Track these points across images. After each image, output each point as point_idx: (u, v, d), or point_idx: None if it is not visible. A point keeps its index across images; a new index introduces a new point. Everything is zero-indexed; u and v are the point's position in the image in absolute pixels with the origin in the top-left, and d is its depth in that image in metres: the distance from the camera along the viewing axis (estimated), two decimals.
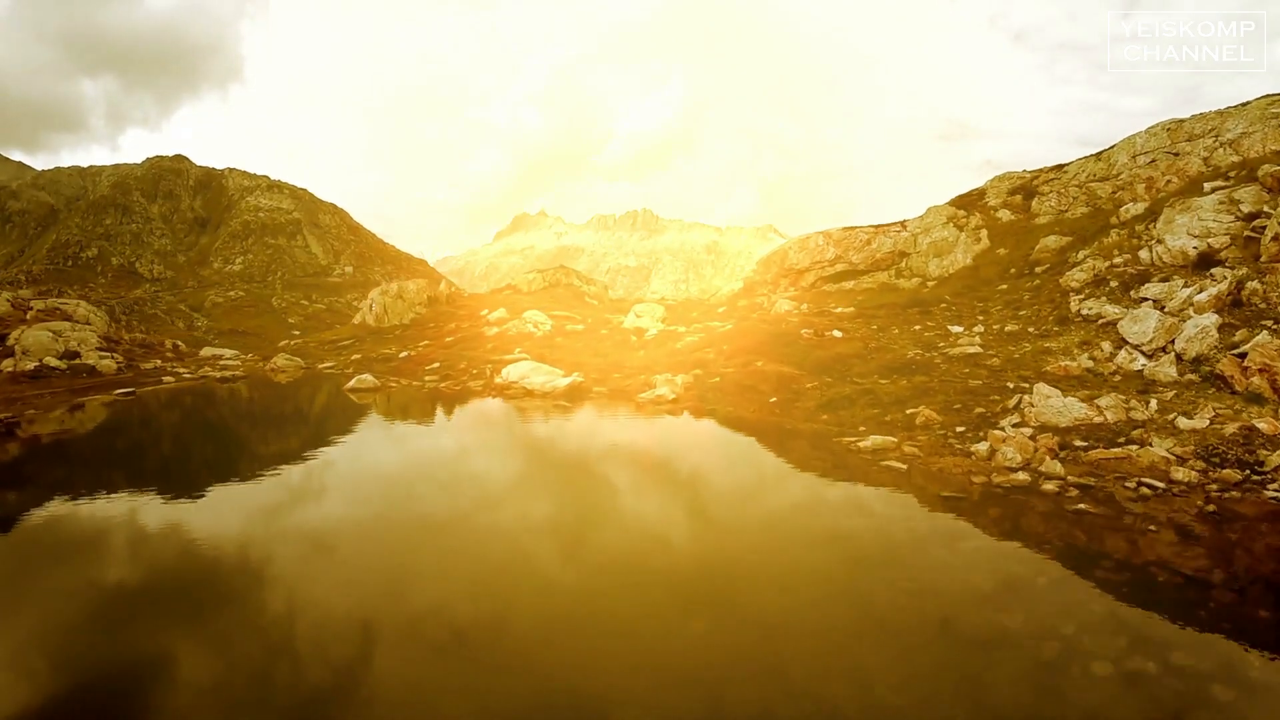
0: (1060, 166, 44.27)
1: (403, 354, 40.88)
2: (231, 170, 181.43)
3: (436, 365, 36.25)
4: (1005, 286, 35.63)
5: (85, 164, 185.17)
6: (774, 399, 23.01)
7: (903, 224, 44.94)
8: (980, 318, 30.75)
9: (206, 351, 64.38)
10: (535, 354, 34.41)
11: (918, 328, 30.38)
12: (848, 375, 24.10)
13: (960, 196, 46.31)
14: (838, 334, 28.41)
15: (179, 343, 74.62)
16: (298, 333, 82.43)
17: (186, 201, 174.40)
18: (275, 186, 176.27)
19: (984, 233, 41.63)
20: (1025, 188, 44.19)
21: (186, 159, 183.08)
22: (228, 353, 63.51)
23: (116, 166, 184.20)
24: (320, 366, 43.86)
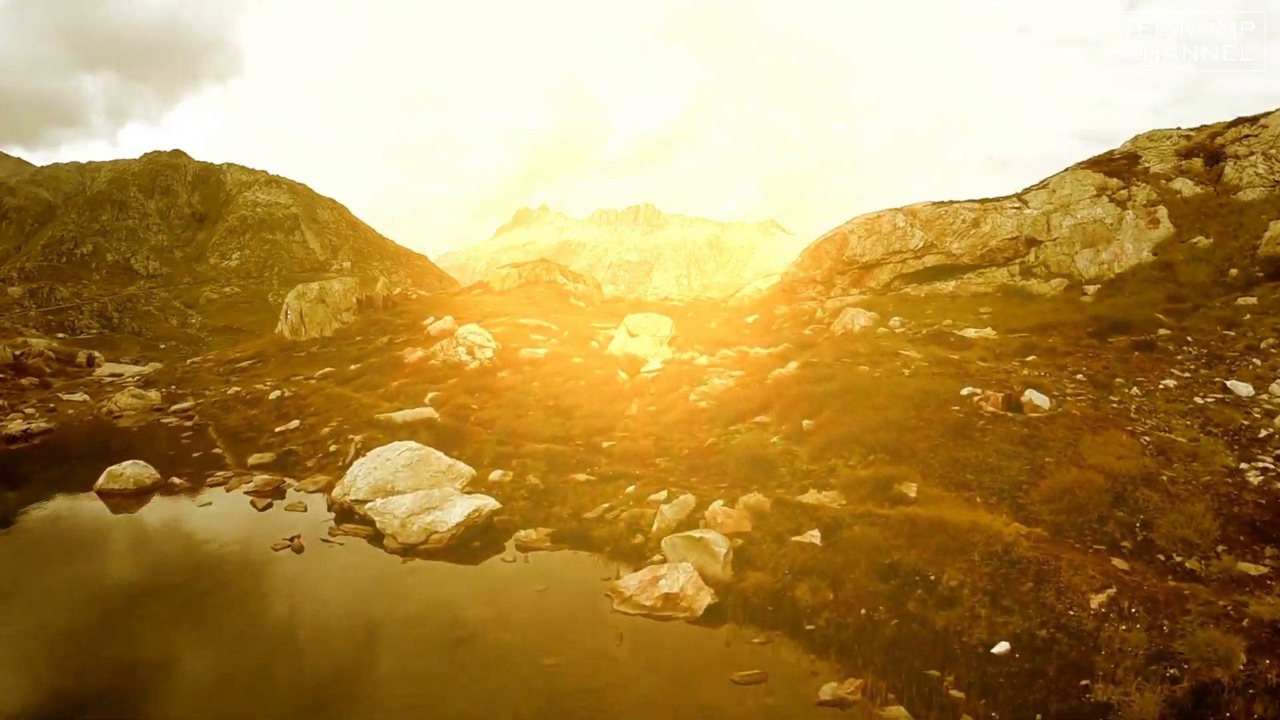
0: (1251, 119, 27.61)
1: (274, 393, 24.62)
2: (229, 165, 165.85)
3: (293, 426, 20.17)
4: (1253, 300, 19.16)
5: (85, 160, 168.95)
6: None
7: (1020, 197, 28.41)
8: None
9: (104, 370, 48.31)
10: (450, 409, 18.34)
11: (1170, 383, 14.12)
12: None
13: (1095, 161, 29.62)
14: (1039, 399, 12.35)
15: (95, 354, 58.29)
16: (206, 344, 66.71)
17: (184, 197, 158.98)
18: (273, 181, 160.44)
19: (1162, 212, 25.10)
20: (1205, 149, 27.48)
21: (184, 154, 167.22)
22: (130, 370, 47.49)
23: (115, 162, 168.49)
24: (174, 409, 27.80)
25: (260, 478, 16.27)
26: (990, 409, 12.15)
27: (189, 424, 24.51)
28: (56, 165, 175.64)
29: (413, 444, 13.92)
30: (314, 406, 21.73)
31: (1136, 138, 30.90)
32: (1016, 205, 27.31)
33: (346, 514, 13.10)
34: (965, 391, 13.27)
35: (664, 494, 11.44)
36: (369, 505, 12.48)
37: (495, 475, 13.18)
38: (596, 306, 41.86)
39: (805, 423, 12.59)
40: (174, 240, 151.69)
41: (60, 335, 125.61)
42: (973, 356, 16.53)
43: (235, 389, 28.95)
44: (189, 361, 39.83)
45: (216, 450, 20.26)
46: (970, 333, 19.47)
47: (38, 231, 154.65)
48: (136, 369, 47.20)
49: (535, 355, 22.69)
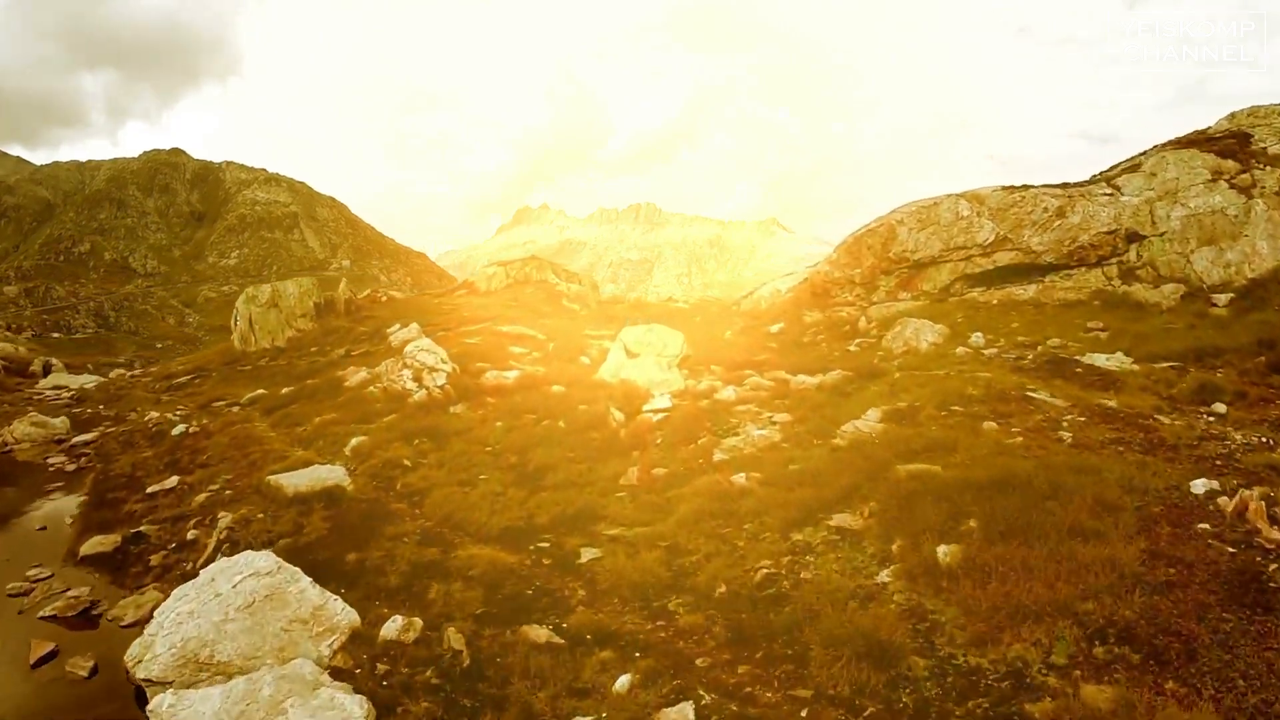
0: None
1: (180, 426, 18.70)
2: (229, 164, 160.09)
3: (170, 485, 14.24)
4: None
5: (84, 159, 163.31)
6: None
7: (1109, 181, 22.43)
8: None
9: (49, 382, 42.27)
10: (372, 468, 12.35)
11: None
12: None
13: (1194, 138, 23.60)
14: None
15: (51, 361, 52.31)
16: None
17: (183, 195, 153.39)
18: (273, 180, 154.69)
19: None
20: None
21: (184, 152, 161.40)
22: (78, 382, 41.43)
23: (114, 161, 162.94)
24: (75, 441, 21.91)
25: (74, 592, 10.36)
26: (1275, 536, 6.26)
27: (72, 468, 18.61)
28: (56, 164, 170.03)
29: (264, 562, 7.99)
30: (209, 453, 15.75)
31: (1234, 115, 24.80)
32: (1109, 192, 21.30)
33: (124, 708, 7.20)
34: (1199, 488, 7.37)
35: (688, 713, 5.57)
36: (158, 702, 6.61)
37: (392, 629, 7.29)
38: (592, 309, 35.88)
39: (941, 551, 6.65)
40: (172, 239, 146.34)
41: (55, 335, 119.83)
42: (1139, 404, 10.57)
43: (154, 414, 23.04)
44: (128, 375, 33.93)
45: (70, 519, 14.35)
46: (1099, 360, 13.45)
47: (36, 230, 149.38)
48: (85, 379, 41.24)
49: (504, 380, 16.70)
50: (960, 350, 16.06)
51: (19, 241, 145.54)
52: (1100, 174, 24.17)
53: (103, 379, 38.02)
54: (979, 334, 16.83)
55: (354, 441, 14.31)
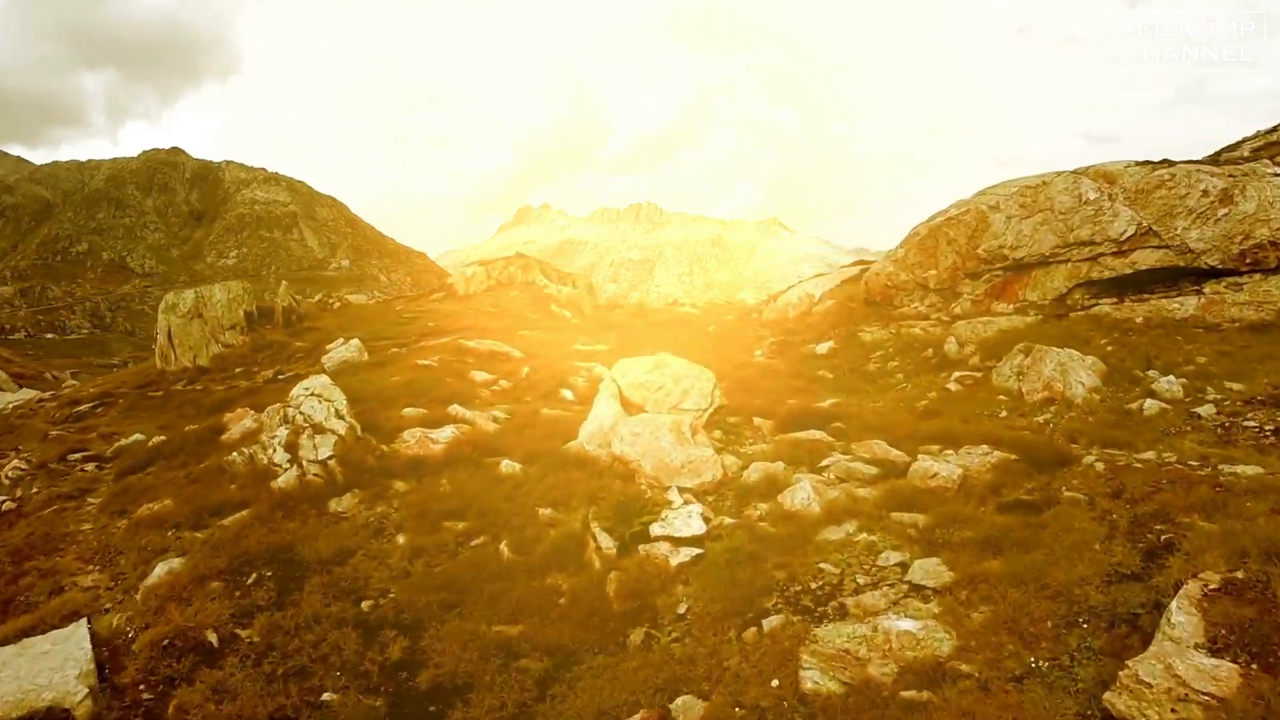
0: None
1: (4, 506, 12.44)
2: (228, 163, 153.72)
3: None
4: None
5: (84, 158, 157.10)
6: None
7: (1274, 158, 16.06)
8: None
9: None
10: (145, 664, 6.41)
11: None
12: None
13: None
14: None
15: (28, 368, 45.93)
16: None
17: (182, 195, 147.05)
18: (272, 179, 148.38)
19: None
20: None
21: (183, 151, 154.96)
22: (13, 400, 35.19)
23: (114, 160, 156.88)
24: None
25: None
26: None
27: None
28: (56, 163, 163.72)
29: None
30: None
31: None
32: (1276, 171, 14.87)
33: None
34: None
35: None
36: None
37: None
38: (586, 316, 29.45)
39: None
40: (171, 238, 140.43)
41: (49, 336, 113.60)
42: None
43: (17, 464, 16.68)
44: (36, 400, 27.71)
45: None
46: None
47: (34, 230, 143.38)
48: (12, 398, 34.89)
49: (430, 447, 10.18)
50: (1150, 406, 9.62)
51: (17, 241, 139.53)
52: (1234, 146, 17.79)
53: (19, 401, 31.50)
54: (1168, 378, 10.40)
55: (155, 574, 7.94)
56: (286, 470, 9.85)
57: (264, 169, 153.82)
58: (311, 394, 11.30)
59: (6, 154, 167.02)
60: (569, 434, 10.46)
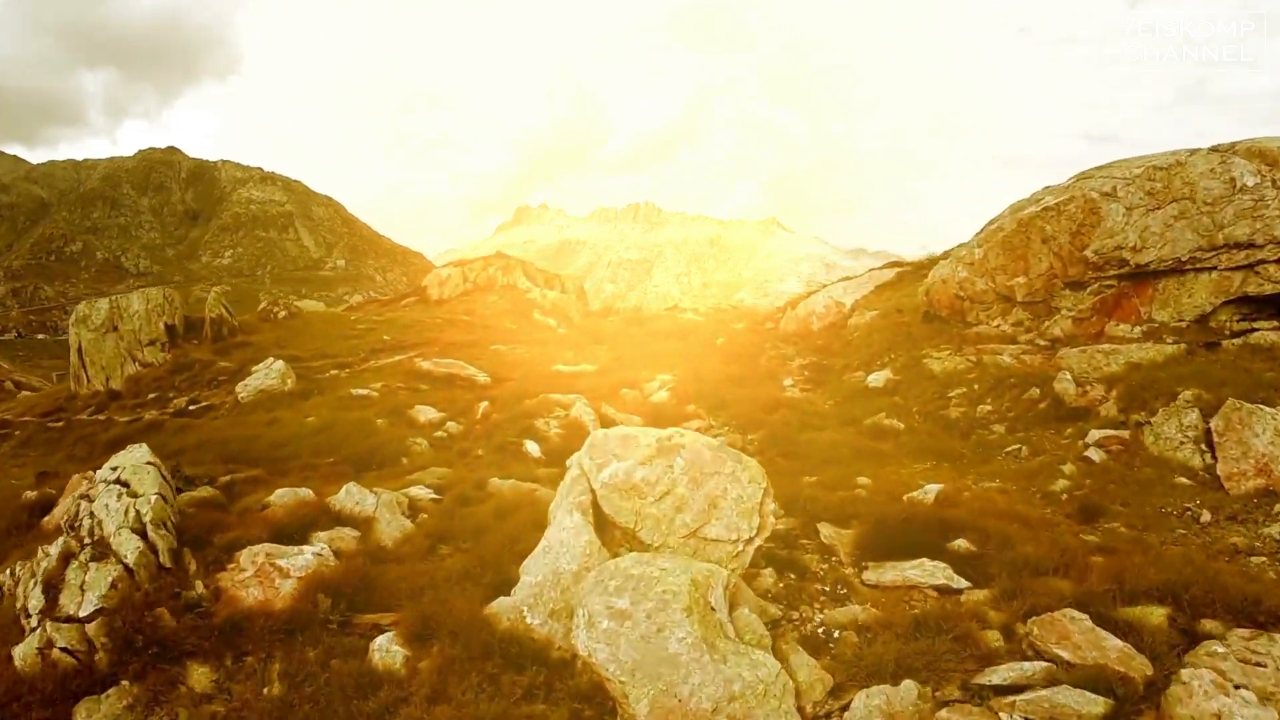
0: None
1: None
2: (224, 162, 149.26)
3: None
4: None
5: (82, 158, 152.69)
6: None
7: None
8: None
9: None
10: None
11: None
12: None
13: None
14: None
15: None
16: None
17: (178, 194, 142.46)
18: (268, 178, 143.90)
19: None
20: None
21: (179, 151, 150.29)
22: None
23: (111, 160, 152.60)
24: None
25: None
26: None
27: None
28: (52, 162, 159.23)
29: None
30: None
31: None
32: None
33: None
34: None
35: None
36: None
37: None
38: (574, 324, 24.96)
39: None
40: (166, 238, 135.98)
41: (40, 336, 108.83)
42: None
43: None
44: None
45: None
46: None
47: (30, 229, 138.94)
48: None
49: (274, 590, 5.76)
50: None
51: (12, 241, 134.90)
52: None
53: None
54: None
55: None
56: (30, 634, 5.39)
57: (260, 168, 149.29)
58: (116, 480, 6.79)
59: (3, 153, 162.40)
60: (519, 541, 6.00)
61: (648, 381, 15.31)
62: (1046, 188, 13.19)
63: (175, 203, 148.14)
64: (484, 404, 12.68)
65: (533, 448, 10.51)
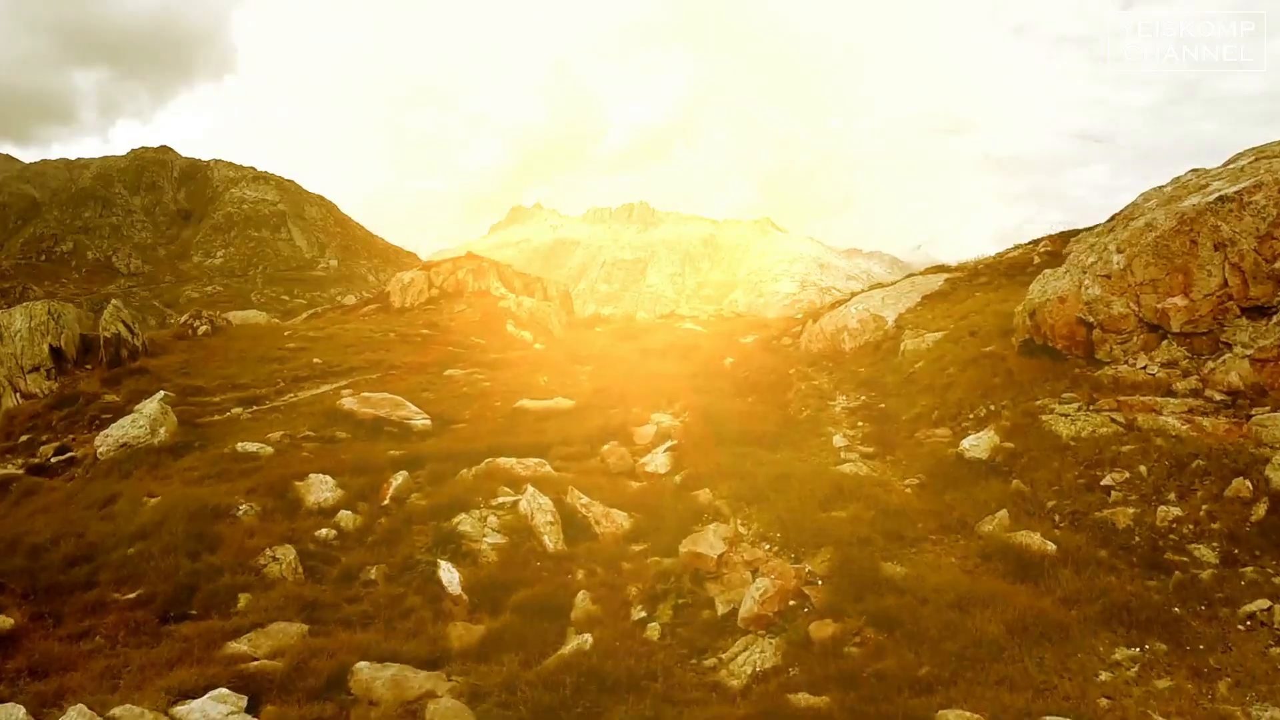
0: None
1: None
2: (217, 161, 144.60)
3: None
4: None
5: (74, 156, 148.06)
6: None
7: None
8: None
9: None
10: None
11: None
12: None
13: None
14: None
15: None
16: None
17: (170, 193, 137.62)
18: (261, 178, 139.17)
19: None
20: None
21: (171, 150, 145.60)
22: None
23: (103, 159, 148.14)
24: None
25: None
26: None
27: None
28: (44, 161, 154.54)
29: None
30: None
31: None
32: None
33: None
34: None
35: None
36: None
37: None
38: (554, 338, 20.67)
39: None
40: (158, 237, 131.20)
41: None
42: None
43: None
44: None
45: None
46: None
47: (21, 229, 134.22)
48: None
49: None
50: None
51: (2, 240, 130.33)
52: None
53: None
54: None
55: None
56: None
57: (253, 168, 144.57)
58: None
59: None
60: None
61: (640, 425, 11.09)
62: (1198, 170, 8.96)
63: (167, 202, 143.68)
64: (400, 477, 8.40)
65: (450, 576, 6.27)
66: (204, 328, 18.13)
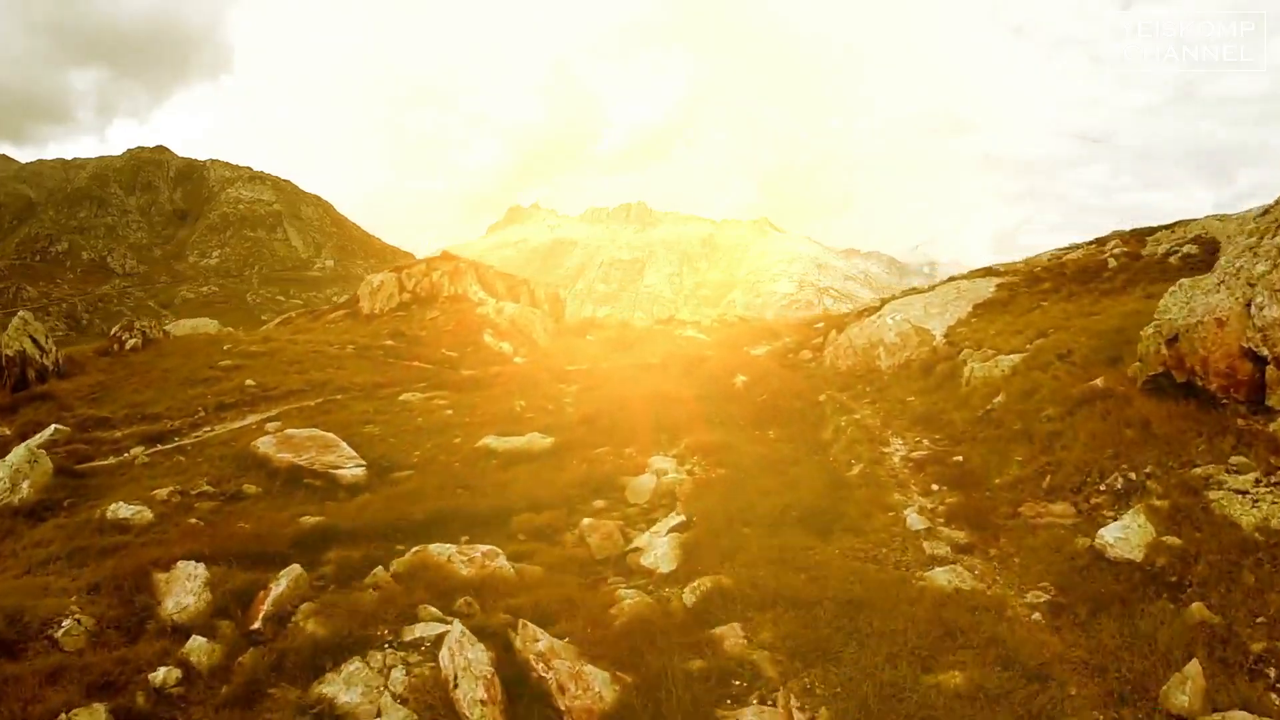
0: None
1: None
2: (213, 161, 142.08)
3: None
4: None
5: (71, 156, 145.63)
6: None
7: None
8: None
9: None
10: None
11: None
12: None
13: None
14: None
15: None
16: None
17: (166, 193, 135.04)
18: (257, 178, 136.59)
19: None
20: None
21: (168, 150, 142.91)
22: None
23: (100, 159, 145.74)
24: None
25: None
26: None
27: None
28: (41, 161, 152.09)
29: None
30: None
31: None
32: None
33: None
34: None
35: None
36: None
37: None
38: (538, 348, 17.94)
39: None
40: (154, 238, 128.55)
41: None
42: None
43: None
44: None
45: None
46: None
47: (16, 229, 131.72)
48: None
49: None
50: None
51: None
52: None
53: None
54: None
55: None
56: None
57: (249, 167, 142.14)
58: None
59: None
60: None
61: (635, 475, 8.43)
62: None
63: (163, 202, 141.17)
64: (285, 580, 5.68)
65: None
66: (133, 341, 15.37)
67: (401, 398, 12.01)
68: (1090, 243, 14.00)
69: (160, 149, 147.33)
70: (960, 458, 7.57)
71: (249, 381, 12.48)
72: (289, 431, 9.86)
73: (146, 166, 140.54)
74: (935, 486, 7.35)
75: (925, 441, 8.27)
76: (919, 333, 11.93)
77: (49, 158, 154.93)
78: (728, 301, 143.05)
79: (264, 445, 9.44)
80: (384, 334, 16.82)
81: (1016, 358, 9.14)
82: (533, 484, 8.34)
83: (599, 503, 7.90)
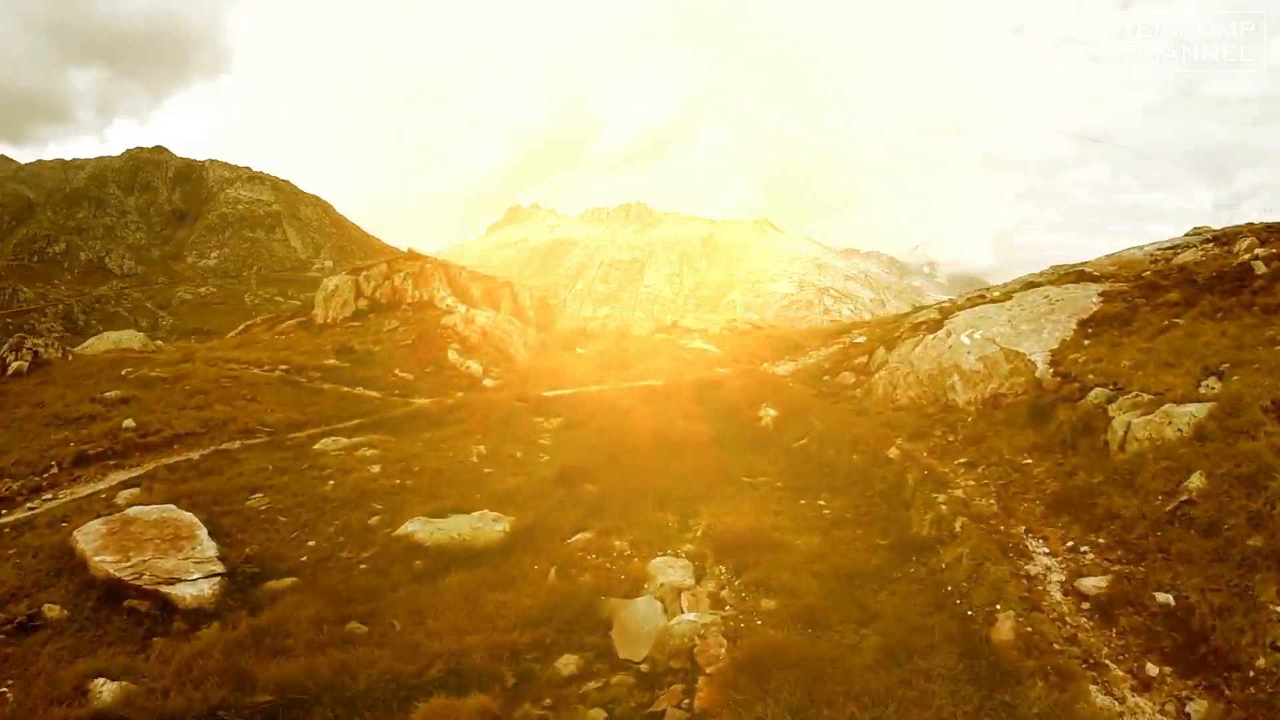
0: None
1: None
2: (212, 161, 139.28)
3: None
4: None
5: (70, 157, 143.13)
6: None
7: None
8: None
9: None
10: None
11: None
12: None
13: None
14: None
15: None
16: None
17: (164, 194, 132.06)
18: (256, 178, 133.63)
19: None
20: None
21: (166, 150, 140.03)
22: None
23: (98, 159, 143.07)
24: None
25: None
26: None
27: None
28: (40, 162, 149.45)
29: None
30: None
31: None
32: None
33: None
34: None
35: None
36: None
37: None
38: (515, 366, 14.71)
39: None
40: (152, 238, 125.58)
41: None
42: None
43: None
44: None
45: None
46: None
47: (14, 230, 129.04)
48: None
49: None
50: None
51: None
52: None
53: None
54: None
55: None
56: None
57: (248, 168, 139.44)
58: None
59: None
60: None
61: (629, 601, 5.20)
62: None
63: (162, 202, 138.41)
64: None
65: None
66: (18, 363, 12.14)
67: (318, 446, 8.78)
68: (1206, 241, 10.76)
69: (159, 149, 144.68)
70: (1169, 598, 4.32)
71: (128, 422, 9.28)
72: (132, 512, 6.63)
73: (145, 167, 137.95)
74: (1130, 640, 4.14)
75: (1087, 551, 5.05)
76: (1010, 358, 8.68)
77: (48, 158, 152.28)
78: (727, 302, 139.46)
79: (87, 539, 6.22)
80: (328, 350, 13.58)
81: (1196, 409, 5.89)
82: (465, 616, 5.12)
83: (567, 662, 4.68)
